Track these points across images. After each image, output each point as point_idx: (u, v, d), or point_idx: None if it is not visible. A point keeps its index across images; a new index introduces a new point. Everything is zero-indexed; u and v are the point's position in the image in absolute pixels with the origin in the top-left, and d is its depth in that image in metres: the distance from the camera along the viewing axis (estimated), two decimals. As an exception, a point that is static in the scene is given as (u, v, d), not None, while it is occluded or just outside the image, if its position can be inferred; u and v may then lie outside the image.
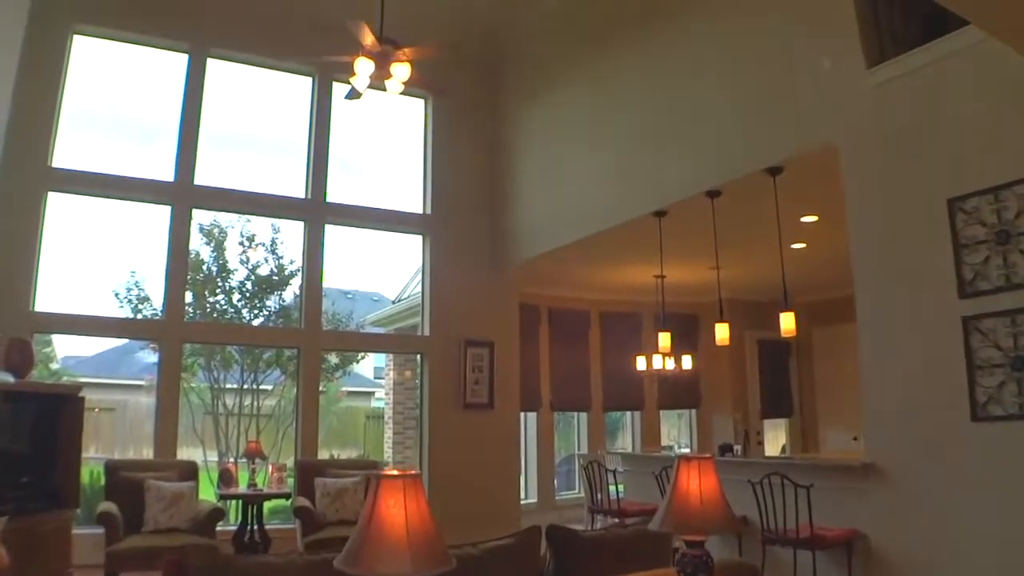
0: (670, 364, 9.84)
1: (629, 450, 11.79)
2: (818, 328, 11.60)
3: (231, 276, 11.22)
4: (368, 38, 5.77)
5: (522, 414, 10.51)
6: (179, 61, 8.82)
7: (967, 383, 4.75)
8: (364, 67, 5.80)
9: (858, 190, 5.65)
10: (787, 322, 6.61)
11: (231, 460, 9.90)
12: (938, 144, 5.13)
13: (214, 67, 8.97)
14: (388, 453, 11.73)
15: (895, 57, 5.42)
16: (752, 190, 6.68)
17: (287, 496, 7.79)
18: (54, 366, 11.87)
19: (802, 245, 8.61)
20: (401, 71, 5.87)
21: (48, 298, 7.87)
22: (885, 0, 5.70)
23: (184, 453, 8.91)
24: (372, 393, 16.59)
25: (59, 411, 6.26)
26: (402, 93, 6.36)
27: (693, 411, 12.52)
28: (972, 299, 4.80)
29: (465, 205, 10.13)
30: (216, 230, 11.09)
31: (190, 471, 7.43)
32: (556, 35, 9.34)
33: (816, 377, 12.09)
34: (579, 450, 11.87)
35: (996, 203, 4.73)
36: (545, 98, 9.50)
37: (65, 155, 8.12)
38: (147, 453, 8.78)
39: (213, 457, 11.13)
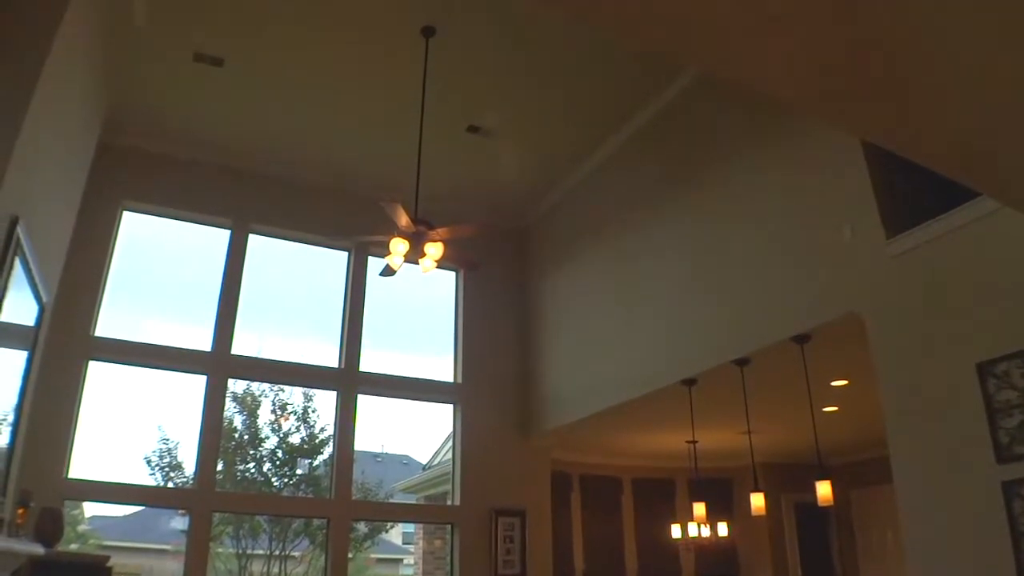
0: (705, 532, 9.64)
1: (666, 622, 11.40)
2: (856, 489, 11.30)
3: (262, 444, 11.25)
4: (403, 219, 5.98)
5: (555, 585, 10.22)
6: (221, 235, 9.16)
7: (1013, 552, 4.58)
8: (399, 247, 5.99)
9: (886, 357, 5.66)
10: (824, 490, 6.51)
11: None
12: (963, 310, 5.15)
13: (254, 240, 9.30)
14: (418, 626, 11.43)
15: (914, 227, 5.52)
16: (780, 357, 6.70)
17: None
18: (82, 527, 11.83)
19: (834, 408, 8.56)
20: (434, 251, 6.05)
21: (81, 464, 7.89)
22: (901, 170, 5.85)
23: (209, 625, 8.71)
24: (401, 560, 16.29)
25: (86, 582, 6.22)
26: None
27: (732, 580, 12.13)
28: (1011, 464, 4.68)
29: (496, 373, 10.19)
30: (249, 398, 11.21)
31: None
32: (581, 208, 9.64)
33: (858, 540, 11.72)
34: (615, 623, 11.48)
35: (1025, 367, 4.70)
36: (572, 266, 9.71)
37: (106, 324, 8.33)
38: (171, 623, 8.61)
39: (239, 630, 10.89)
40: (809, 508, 11.00)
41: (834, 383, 7.74)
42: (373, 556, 14.65)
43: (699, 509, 8.47)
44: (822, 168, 6.38)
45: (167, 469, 10.45)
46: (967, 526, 4.91)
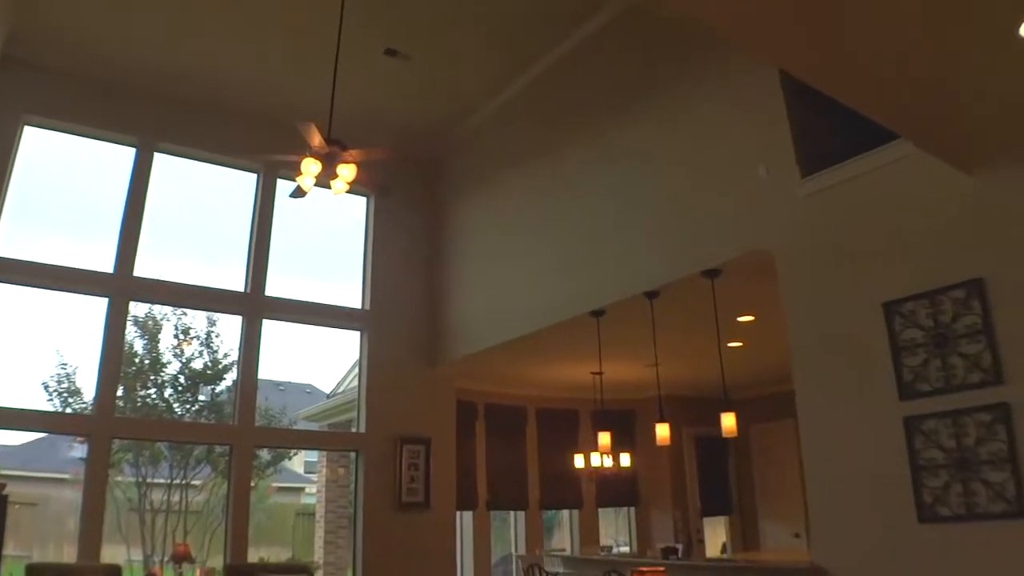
0: (608, 462, 9.82)
1: (567, 549, 11.64)
2: (756, 424, 11.61)
3: (164, 369, 11.01)
4: (316, 139, 5.81)
5: (458, 513, 10.33)
6: (126, 154, 8.80)
7: (912, 484, 4.79)
8: (310, 167, 5.83)
9: (794, 294, 5.79)
10: (728, 422, 6.68)
11: (157, 564, 9.55)
12: (872, 250, 5.30)
13: (159, 159, 8.96)
14: (319, 553, 11.42)
15: (829, 167, 5.62)
16: (690, 291, 6.81)
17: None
18: (-24, 456, 11.49)
19: (739, 344, 8.76)
20: (347, 172, 5.91)
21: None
22: (819, 111, 5.90)
23: (107, 552, 8.48)
24: (303, 489, 16.25)
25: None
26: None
27: (632, 509, 12.44)
28: (913, 400, 4.87)
29: (403, 301, 10.14)
30: (151, 322, 10.92)
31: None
32: (497, 139, 9.56)
33: (755, 473, 12.13)
34: (516, 549, 11.67)
35: (932, 307, 4.86)
36: (484, 197, 9.66)
37: (4, 244, 7.94)
38: (69, 551, 8.44)
39: (137, 556, 10.72)
40: (709, 441, 11.32)
41: (740, 319, 7.90)
42: (274, 485, 14.57)
43: (604, 439, 8.58)
44: (741, 107, 6.43)
45: (65, 395, 10.16)
46: (868, 460, 5.09)
